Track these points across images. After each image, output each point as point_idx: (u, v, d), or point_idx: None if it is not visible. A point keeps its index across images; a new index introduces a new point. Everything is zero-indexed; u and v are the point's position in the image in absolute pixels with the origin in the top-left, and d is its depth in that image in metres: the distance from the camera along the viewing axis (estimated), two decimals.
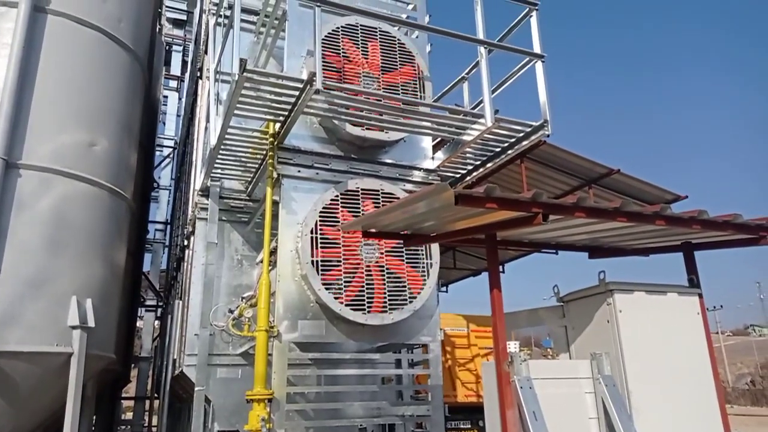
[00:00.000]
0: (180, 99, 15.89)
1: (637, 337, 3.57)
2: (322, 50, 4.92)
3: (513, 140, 5.78)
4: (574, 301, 3.90)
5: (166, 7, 15.62)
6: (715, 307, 54.21)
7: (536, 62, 5.52)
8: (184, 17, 16.23)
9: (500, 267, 7.73)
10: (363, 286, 5.16)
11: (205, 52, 7.34)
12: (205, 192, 6.41)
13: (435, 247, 5.62)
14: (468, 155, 6.19)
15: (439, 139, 6.60)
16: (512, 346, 3.25)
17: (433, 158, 6.41)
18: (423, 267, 5.52)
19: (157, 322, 14.44)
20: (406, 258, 5.45)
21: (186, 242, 7.52)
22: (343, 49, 5.60)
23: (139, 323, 14.10)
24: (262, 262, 5.73)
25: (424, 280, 5.49)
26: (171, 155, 15.59)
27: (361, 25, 5.75)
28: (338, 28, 5.64)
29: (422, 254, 5.55)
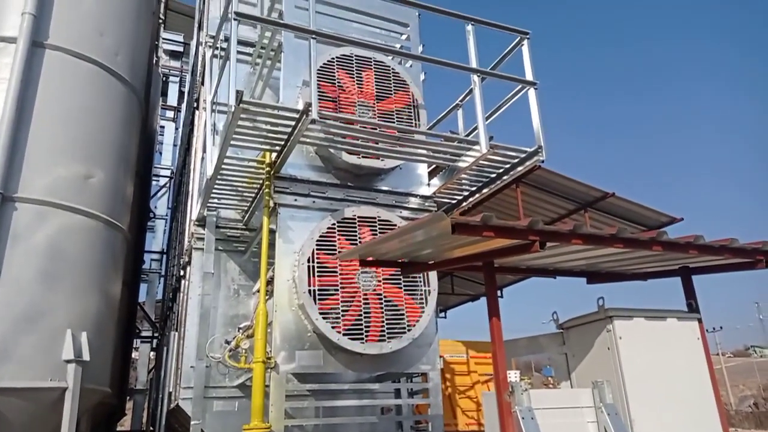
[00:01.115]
0: (177, 129, 16.00)
1: (638, 364, 3.54)
2: (318, 80, 4.98)
3: (508, 166, 5.81)
4: (573, 327, 3.88)
5: (163, 39, 15.84)
6: (714, 328, 53.88)
7: (529, 89, 5.60)
8: (181, 49, 16.46)
9: (498, 292, 7.67)
10: (361, 315, 5.12)
11: (202, 83, 7.42)
12: (201, 222, 6.39)
13: (433, 274, 5.60)
14: (464, 181, 6.22)
15: (434, 165, 6.64)
16: (513, 376, 3.21)
17: (429, 185, 6.44)
18: (421, 294, 5.49)
19: (152, 353, 14.26)
20: (404, 285, 5.43)
21: (182, 272, 7.47)
22: (338, 79, 5.67)
23: (134, 354, 13.91)
24: (258, 291, 5.69)
25: (423, 307, 5.45)
26: (167, 185, 15.62)
27: (355, 56, 5.83)
28: (333, 58, 5.71)
29: (420, 281, 5.53)
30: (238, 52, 4.88)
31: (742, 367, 64.78)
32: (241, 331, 5.81)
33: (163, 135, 16.15)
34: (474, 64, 5.51)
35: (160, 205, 15.44)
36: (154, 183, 14.75)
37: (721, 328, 58.07)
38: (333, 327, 4.97)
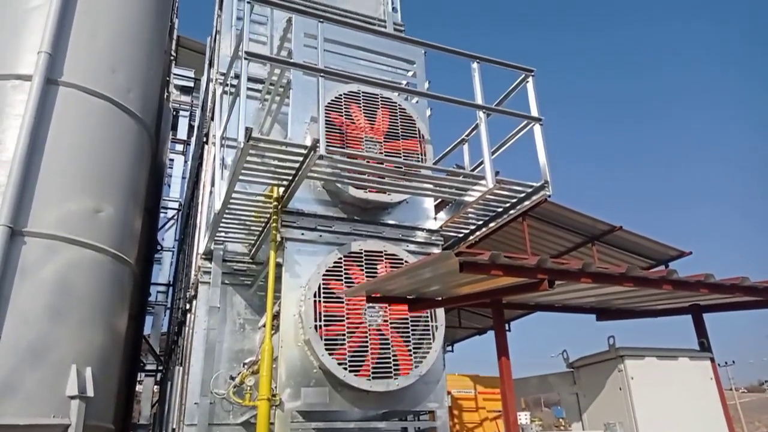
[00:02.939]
0: (186, 162, 16.18)
1: (650, 405, 3.46)
2: (326, 117, 5.05)
3: (515, 200, 5.82)
4: (584, 367, 3.81)
5: (174, 74, 16.18)
6: (726, 362, 52.66)
7: (534, 125, 5.64)
8: (191, 84, 16.79)
9: (506, 325, 7.58)
10: (367, 351, 5.07)
11: (212, 118, 7.53)
12: (208, 255, 6.40)
13: (440, 310, 5.55)
14: (470, 215, 6.22)
15: (441, 199, 6.65)
16: (523, 418, 3.14)
17: (435, 218, 6.44)
18: (428, 330, 5.43)
19: (156, 387, 14.10)
20: (411, 321, 5.38)
21: (188, 306, 7.45)
22: (345, 115, 5.75)
23: (138, 388, 13.76)
24: (264, 326, 5.65)
25: (430, 343, 5.39)
26: (175, 217, 15.71)
27: (363, 92, 5.92)
28: (341, 95, 5.81)
29: (427, 317, 5.48)
30: (248, 89, 4.96)
31: (757, 403, 63.15)
32: (246, 366, 5.76)
33: (172, 168, 16.33)
34: (479, 101, 5.57)
35: (168, 237, 15.49)
36: (162, 215, 14.83)
37: (733, 362, 56.71)
38: (339, 363, 4.91)
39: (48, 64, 6.29)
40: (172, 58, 14.66)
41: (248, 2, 4.99)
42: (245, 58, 4.69)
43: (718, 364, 4.03)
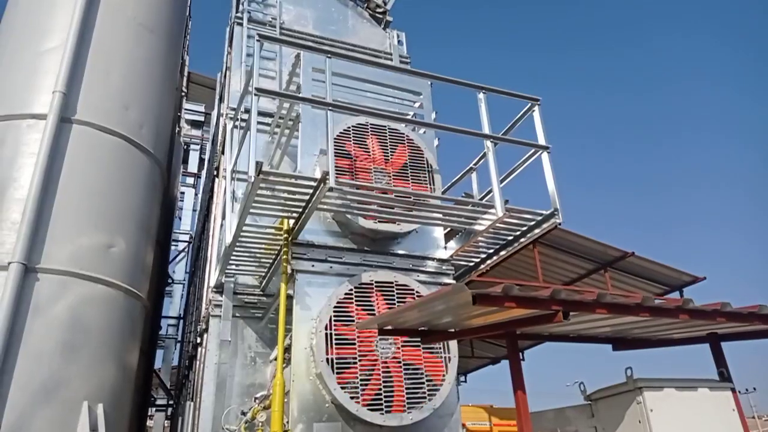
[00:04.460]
0: (196, 195, 16.35)
1: None
2: (335, 149, 5.10)
3: (525, 228, 5.81)
4: (602, 399, 3.73)
5: (185, 109, 16.48)
6: (747, 389, 51.28)
7: (542, 153, 5.66)
8: (202, 118, 17.10)
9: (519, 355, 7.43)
10: (380, 385, 5.00)
11: (222, 152, 7.63)
12: (219, 288, 6.40)
13: (453, 341, 5.49)
14: (480, 244, 6.20)
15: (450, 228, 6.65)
16: None
17: (445, 248, 6.43)
18: (441, 362, 5.36)
19: (167, 422, 13.95)
20: (424, 353, 5.32)
21: (199, 340, 7.41)
22: (354, 146, 5.81)
23: (148, 422, 13.63)
24: (276, 359, 5.60)
25: (443, 375, 5.31)
26: (186, 249, 15.78)
27: (371, 124, 5.99)
28: (349, 127, 5.88)
29: (440, 348, 5.42)
30: (258, 123, 5.04)
31: None
32: (257, 401, 5.69)
33: (183, 201, 16.50)
34: (486, 130, 5.60)
35: (178, 270, 15.55)
36: (173, 248, 14.92)
37: (754, 389, 55.24)
38: (351, 397, 4.85)
39: (62, 103, 6.42)
40: (183, 93, 14.96)
41: (258, 40, 5.10)
42: (255, 94, 4.77)
43: (738, 392, 3.93)
